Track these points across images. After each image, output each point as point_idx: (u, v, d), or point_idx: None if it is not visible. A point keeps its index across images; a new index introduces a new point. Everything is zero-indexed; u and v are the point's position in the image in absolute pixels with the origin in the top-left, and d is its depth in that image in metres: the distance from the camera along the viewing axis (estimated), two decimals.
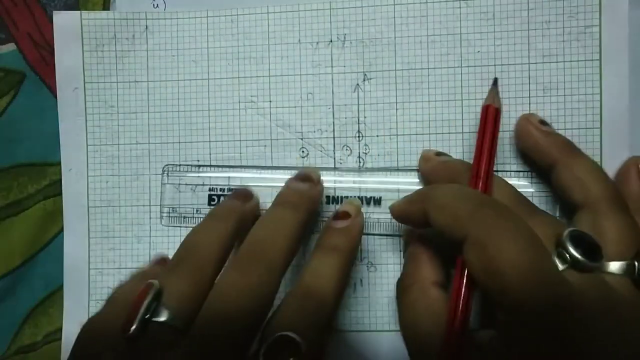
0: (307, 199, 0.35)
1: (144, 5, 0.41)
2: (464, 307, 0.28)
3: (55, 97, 0.41)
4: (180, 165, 0.41)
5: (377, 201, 0.39)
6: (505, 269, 0.25)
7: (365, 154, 0.39)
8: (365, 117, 0.39)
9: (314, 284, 0.31)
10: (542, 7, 0.38)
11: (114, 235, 0.41)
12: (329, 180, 0.39)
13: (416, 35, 0.39)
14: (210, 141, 0.40)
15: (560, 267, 0.27)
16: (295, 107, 0.40)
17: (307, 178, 0.36)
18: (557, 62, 0.38)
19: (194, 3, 0.40)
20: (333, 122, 0.39)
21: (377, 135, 0.39)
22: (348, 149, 0.39)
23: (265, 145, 0.40)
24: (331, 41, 0.40)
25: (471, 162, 0.34)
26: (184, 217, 0.41)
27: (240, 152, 0.40)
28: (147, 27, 0.40)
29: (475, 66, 0.38)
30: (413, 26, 0.39)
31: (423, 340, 0.29)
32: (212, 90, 0.40)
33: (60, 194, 0.41)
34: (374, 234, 0.39)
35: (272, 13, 0.40)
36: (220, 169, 0.40)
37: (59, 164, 0.41)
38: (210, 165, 0.40)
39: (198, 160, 0.40)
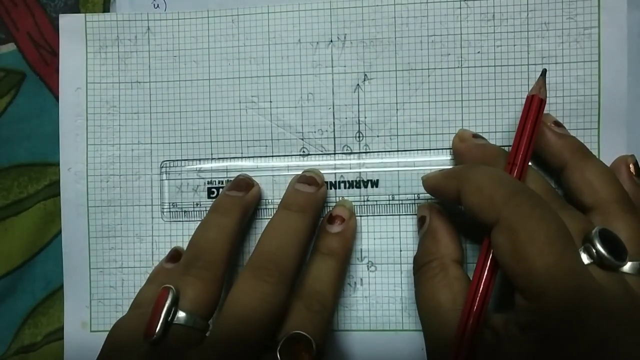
0: (313, 202, 0.36)
1: (144, 6, 0.41)
2: (484, 289, 0.29)
3: (55, 97, 0.41)
4: (178, 160, 0.41)
5: (375, 183, 0.39)
6: (534, 255, 0.26)
7: (366, 154, 0.39)
8: (365, 117, 0.39)
9: (316, 287, 0.34)
10: (542, 8, 0.38)
11: (114, 234, 0.41)
12: (327, 165, 0.40)
13: (416, 36, 0.39)
14: (211, 141, 0.40)
15: (586, 261, 0.27)
16: (295, 107, 0.40)
17: (312, 181, 0.37)
18: (556, 63, 0.38)
19: (195, 3, 0.40)
20: (333, 122, 0.40)
21: (378, 136, 0.39)
22: (348, 149, 0.39)
23: (266, 146, 0.40)
24: (331, 41, 0.40)
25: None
26: (185, 212, 0.41)
27: (241, 153, 0.40)
28: (148, 28, 0.41)
29: (475, 66, 0.39)
30: (413, 26, 0.39)
31: (440, 317, 0.30)
32: (213, 90, 0.40)
33: (60, 193, 0.41)
34: (373, 215, 0.40)
35: (273, 13, 0.40)
36: (218, 161, 0.40)
37: (59, 163, 0.41)
38: (208, 159, 0.41)
39: (199, 162, 0.40)
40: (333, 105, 0.40)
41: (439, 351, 0.30)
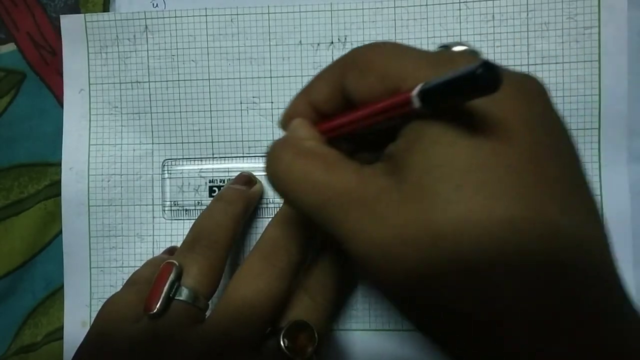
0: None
1: (144, 5, 0.41)
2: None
3: (55, 97, 0.42)
4: (179, 159, 0.41)
5: None
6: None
7: None
8: None
9: (322, 280, 0.34)
10: (542, 8, 0.38)
11: (115, 234, 0.41)
12: None
13: (416, 37, 0.39)
14: (212, 142, 0.40)
15: None
16: None
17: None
18: (556, 63, 0.38)
19: (194, 2, 0.40)
20: None
21: None
22: None
23: (267, 146, 0.40)
24: (332, 43, 0.40)
25: None
26: (186, 210, 0.41)
27: (242, 153, 0.40)
28: (146, 27, 0.41)
29: None
30: (413, 28, 0.39)
31: (325, 191, 0.23)
32: (214, 90, 0.40)
33: (60, 194, 0.41)
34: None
35: (273, 14, 0.40)
36: (219, 160, 0.40)
37: (59, 163, 0.41)
38: (209, 157, 0.41)
39: (201, 161, 0.40)
40: None
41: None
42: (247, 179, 0.38)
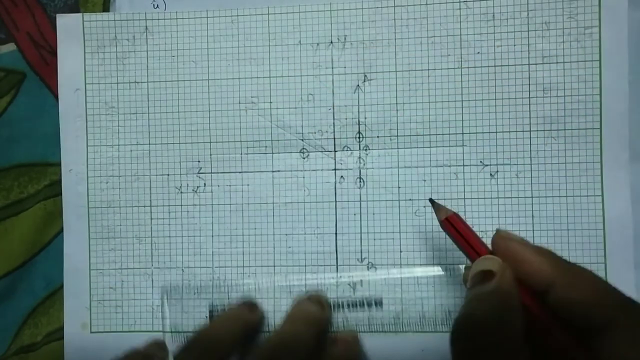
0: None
1: (144, 6, 0.41)
2: None
3: (55, 97, 0.41)
4: (179, 287, 0.41)
5: (379, 302, 0.39)
6: None
7: (366, 154, 0.39)
8: (365, 118, 0.39)
9: None
10: (542, 8, 0.38)
11: (114, 235, 0.41)
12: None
13: (416, 37, 0.39)
14: (210, 142, 0.40)
15: None
16: (295, 108, 0.40)
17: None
18: (556, 62, 0.38)
19: (194, 3, 0.40)
20: (333, 123, 0.40)
21: (378, 136, 0.39)
22: (348, 149, 0.39)
23: (265, 146, 0.40)
24: (332, 42, 0.40)
25: None
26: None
27: (241, 153, 0.40)
28: (146, 28, 0.41)
29: (475, 67, 0.38)
30: (413, 28, 0.39)
31: None
32: (212, 90, 0.40)
33: (60, 194, 0.41)
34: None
35: (273, 14, 0.40)
36: (219, 288, 0.40)
37: (59, 164, 0.41)
38: (210, 285, 0.41)
39: (199, 162, 0.40)
40: (333, 106, 0.40)
41: None
42: (249, 305, 0.39)
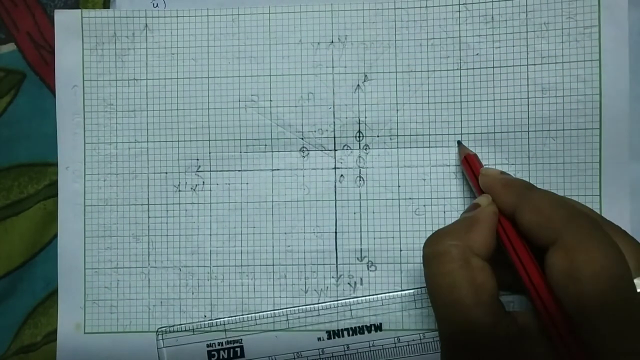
0: None
1: (144, 4, 0.41)
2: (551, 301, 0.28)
3: (55, 97, 0.41)
4: (174, 326, 0.41)
5: (378, 327, 0.39)
6: (589, 278, 0.26)
7: (366, 153, 0.39)
8: (365, 117, 0.39)
9: None
10: (541, 8, 0.38)
11: (110, 234, 0.41)
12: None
13: (416, 38, 0.39)
14: (210, 140, 0.40)
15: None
16: (295, 106, 0.40)
17: None
18: (556, 63, 0.38)
19: (194, 2, 0.40)
20: (334, 122, 0.40)
21: (378, 136, 0.39)
22: (348, 148, 0.40)
23: (265, 145, 0.40)
24: (332, 42, 0.40)
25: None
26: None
27: (240, 151, 0.40)
28: (146, 26, 0.41)
29: (474, 68, 0.39)
30: (413, 29, 0.39)
31: (460, 313, 0.28)
32: (212, 89, 0.40)
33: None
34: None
35: (274, 13, 0.40)
36: (215, 326, 0.40)
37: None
38: (205, 322, 0.40)
39: (197, 160, 0.40)
40: (333, 105, 0.40)
41: (458, 348, 0.29)
42: None
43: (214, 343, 0.40)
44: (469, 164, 0.36)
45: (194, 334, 0.40)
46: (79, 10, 0.41)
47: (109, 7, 0.41)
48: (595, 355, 0.25)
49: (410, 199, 0.39)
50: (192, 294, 0.40)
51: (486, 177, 0.34)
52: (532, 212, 0.29)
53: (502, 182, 0.33)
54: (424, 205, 0.39)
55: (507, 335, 0.28)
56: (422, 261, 0.31)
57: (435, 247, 0.30)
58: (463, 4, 0.39)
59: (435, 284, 0.30)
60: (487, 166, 0.38)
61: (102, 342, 0.41)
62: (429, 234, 0.38)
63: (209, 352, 0.40)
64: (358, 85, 0.39)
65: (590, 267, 0.26)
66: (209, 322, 0.40)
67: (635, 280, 0.27)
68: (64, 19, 0.41)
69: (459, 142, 0.38)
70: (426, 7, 0.39)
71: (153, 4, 0.41)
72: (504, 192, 0.32)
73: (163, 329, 0.40)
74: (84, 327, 0.41)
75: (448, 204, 0.39)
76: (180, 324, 0.40)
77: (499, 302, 0.29)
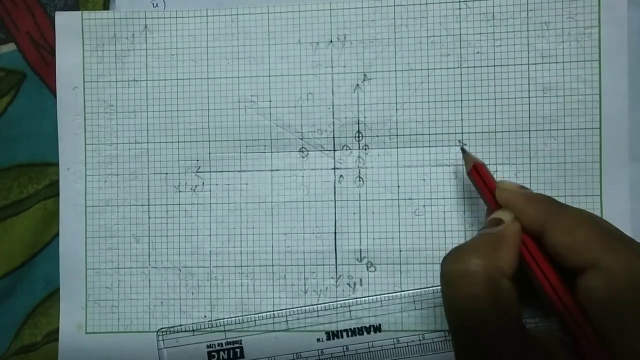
0: None
1: (143, 5, 0.41)
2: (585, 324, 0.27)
3: (56, 97, 0.41)
4: (174, 327, 0.41)
5: (377, 328, 0.39)
6: (630, 309, 0.26)
7: (365, 153, 0.39)
8: (365, 117, 0.39)
9: None
10: (542, 7, 0.38)
11: (111, 234, 0.41)
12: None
13: (416, 36, 0.39)
14: (209, 140, 0.40)
15: None
16: (295, 107, 0.40)
17: None
18: (556, 62, 0.38)
19: (194, 3, 0.40)
20: (333, 122, 0.40)
21: (377, 136, 0.39)
22: (348, 148, 0.39)
23: (265, 145, 0.40)
24: (331, 41, 0.40)
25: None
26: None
27: (240, 152, 0.40)
28: (146, 27, 0.41)
29: (474, 67, 0.38)
30: (413, 27, 0.39)
31: (484, 338, 0.27)
32: (212, 89, 0.40)
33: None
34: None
35: (273, 13, 0.40)
36: (215, 327, 0.40)
37: (59, 164, 0.41)
38: (205, 322, 0.40)
39: (197, 161, 0.40)
40: (333, 105, 0.40)
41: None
42: None
43: (214, 344, 0.40)
44: (479, 175, 0.34)
45: (194, 335, 0.40)
46: (80, 12, 0.41)
47: (108, 8, 0.41)
48: None
49: (410, 199, 0.39)
50: (192, 294, 0.40)
51: (506, 191, 0.31)
52: (564, 233, 0.28)
53: (525, 197, 0.31)
54: (424, 206, 0.39)
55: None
56: (440, 279, 0.29)
57: (459, 266, 0.28)
58: (463, 1, 0.39)
59: (457, 307, 0.28)
60: (500, 179, 0.35)
61: (103, 342, 0.41)
62: (428, 234, 0.39)
63: (209, 352, 0.40)
64: (357, 84, 0.39)
65: (631, 294, 0.25)
66: (209, 322, 0.40)
67: None
68: (64, 20, 0.41)
69: (463, 149, 0.36)
70: (426, 4, 0.39)
71: (153, 4, 0.41)
72: (529, 208, 0.30)
73: (164, 329, 0.40)
74: (86, 327, 0.41)
75: (448, 204, 0.39)
76: (181, 325, 0.40)
77: (524, 327, 0.28)
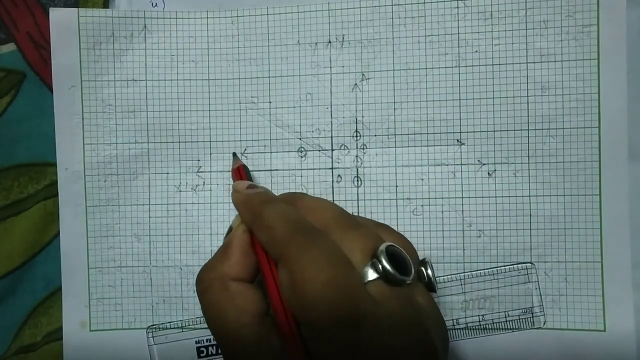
0: None
1: (142, 5, 0.41)
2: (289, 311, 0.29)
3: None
4: (163, 324, 0.41)
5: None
6: (305, 283, 0.27)
7: (363, 153, 0.39)
8: (363, 116, 0.39)
9: None
10: (540, 6, 0.38)
11: (113, 234, 0.41)
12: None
13: (414, 36, 0.39)
14: (210, 141, 0.41)
15: (373, 276, 0.28)
16: (294, 107, 0.40)
17: None
18: (555, 61, 0.38)
19: (193, 3, 0.40)
20: (331, 122, 0.40)
21: (375, 135, 0.39)
22: (346, 148, 0.39)
23: (264, 146, 0.40)
24: (330, 42, 0.40)
25: None
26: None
27: (240, 152, 0.40)
28: (145, 26, 0.41)
29: (473, 66, 0.38)
30: (411, 26, 0.39)
31: (231, 336, 0.30)
32: (212, 90, 0.40)
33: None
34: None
35: (272, 14, 0.40)
36: (203, 323, 0.40)
37: None
38: (193, 319, 0.41)
39: (198, 161, 0.41)
40: (331, 105, 0.40)
41: None
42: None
43: (203, 339, 0.41)
44: (240, 176, 0.37)
45: (182, 331, 0.41)
46: (76, 9, 0.41)
47: (108, 7, 0.41)
48: None
49: (408, 199, 0.39)
50: (194, 292, 0.41)
51: (234, 192, 0.34)
52: (261, 230, 0.30)
53: (242, 198, 0.33)
54: (422, 206, 0.39)
55: (270, 351, 0.29)
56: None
57: (201, 285, 0.31)
58: None
59: (207, 315, 0.31)
60: (242, 180, 0.36)
61: (107, 339, 0.41)
62: (427, 234, 0.39)
63: (197, 348, 0.40)
64: (355, 84, 0.39)
65: (304, 274, 0.27)
66: (198, 319, 0.41)
67: (369, 269, 0.28)
68: (59, 17, 0.41)
69: (234, 154, 0.40)
70: (424, 3, 0.39)
71: (152, 4, 0.41)
72: (243, 210, 0.32)
73: (153, 326, 0.41)
74: (90, 325, 0.41)
75: (446, 203, 0.39)
76: (170, 322, 0.41)
77: (268, 318, 0.30)
